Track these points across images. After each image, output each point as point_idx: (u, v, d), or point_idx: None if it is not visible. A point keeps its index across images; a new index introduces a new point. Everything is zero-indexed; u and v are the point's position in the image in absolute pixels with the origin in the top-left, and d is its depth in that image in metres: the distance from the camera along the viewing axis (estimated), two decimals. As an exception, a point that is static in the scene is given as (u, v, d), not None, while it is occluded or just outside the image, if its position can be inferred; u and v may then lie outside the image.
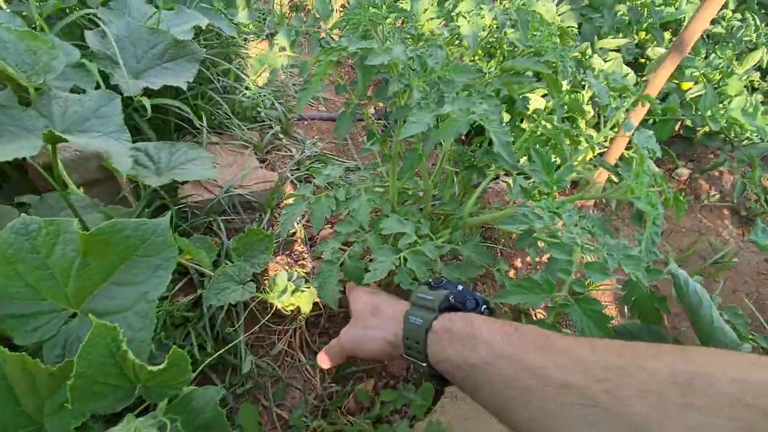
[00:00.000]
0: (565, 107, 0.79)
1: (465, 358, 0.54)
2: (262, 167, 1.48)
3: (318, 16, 0.82)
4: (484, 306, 0.66)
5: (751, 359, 0.42)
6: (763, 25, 2.12)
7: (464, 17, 0.75)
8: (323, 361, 0.75)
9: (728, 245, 1.74)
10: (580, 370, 0.46)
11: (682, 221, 1.87)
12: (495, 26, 0.77)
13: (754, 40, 1.80)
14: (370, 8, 0.76)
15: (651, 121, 1.59)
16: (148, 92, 1.17)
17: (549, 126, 0.77)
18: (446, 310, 0.63)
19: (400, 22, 0.91)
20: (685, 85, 1.78)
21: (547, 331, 0.53)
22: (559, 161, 0.82)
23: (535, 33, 0.85)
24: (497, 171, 0.86)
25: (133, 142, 1.28)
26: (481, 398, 0.54)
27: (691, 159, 2.03)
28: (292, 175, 1.48)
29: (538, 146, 0.83)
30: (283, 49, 0.74)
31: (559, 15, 1.83)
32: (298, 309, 1.03)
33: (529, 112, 0.98)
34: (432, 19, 0.77)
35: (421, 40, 0.78)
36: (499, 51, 0.77)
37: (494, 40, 0.80)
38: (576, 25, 1.82)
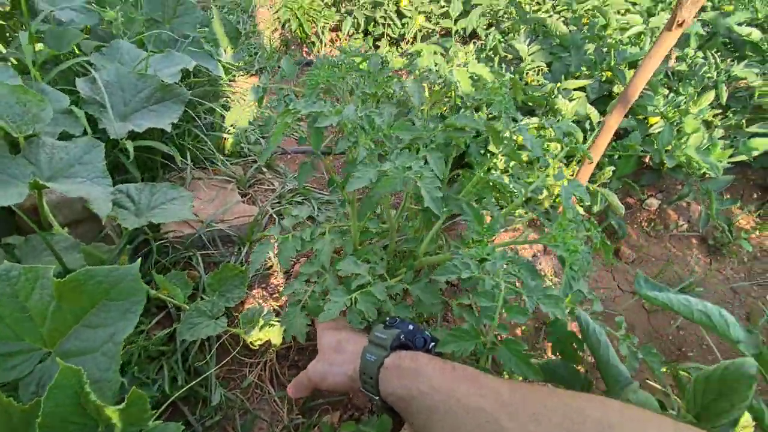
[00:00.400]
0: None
1: (408, 390, 0.63)
2: (243, 201, 1.55)
3: (285, 74, 0.90)
4: (432, 344, 0.73)
5: (670, 426, 0.48)
6: (728, 60, 2.23)
7: (415, 75, 0.83)
8: (292, 392, 0.81)
9: (694, 274, 1.81)
10: (494, 398, 0.54)
11: (652, 250, 1.94)
12: (440, 85, 0.85)
13: (714, 78, 1.90)
14: (329, 68, 0.84)
15: (617, 156, 1.67)
16: (133, 134, 1.24)
17: (485, 174, 0.85)
18: (398, 348, 0.71)
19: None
20: (652, 120, 1.87)
21: (478, 371, 0.61)
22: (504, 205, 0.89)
23: (481, 89, 0.93)
24: (449, 212, 0.93)
25: (120, 181, 1.36)
26: (418, 425, 0.61)
27: (660, 190, 2.11)
28: (272, 209, 1.55)
29: (486, 190, 0.90)
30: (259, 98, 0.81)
31: (530, 54, 1.93)
32: (269, 342, 1.08)
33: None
34: (388, 77, 0.85)
35: (376, 98, 0.86)
36: (445, 107, 0.84)
37: (443, 95, 0.88)
38: (545, 65, 1.92)
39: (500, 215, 0.74)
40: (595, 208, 1.69)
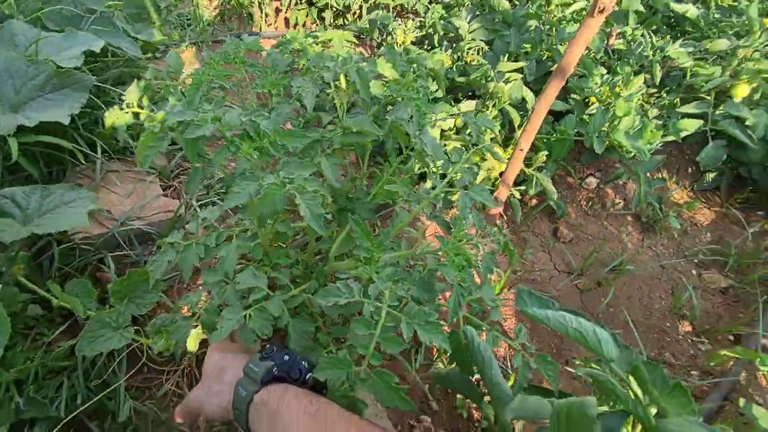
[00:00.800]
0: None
1: None
2: (166, 195, 1.46)
3: (171, 70, 0.81)
4: (309, 374, 0.69)
5: None
6: (668, 37, 2.25)
7: (309, 73, 0.77)
8: (179, 418, 0.77)
9: (626, 251, 1.87)
10: None
11: (589, 228, 1.99)
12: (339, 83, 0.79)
13: (650, 57, 1.91)
14: (218, 64, 0.77)
15: (553, 139, 1.67)
16: (24, 128, 1.13)
17: (393, 174, 0.81)
18: (271, 381, 0.67)
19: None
20: (593, 99, 1.87)
21: (338, 412, 0.60)
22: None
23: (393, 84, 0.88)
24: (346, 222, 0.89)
25: (18, 181, 1.24)
26: None
27: (599, 169, 2.15)
28: (198, 201, 1.47)
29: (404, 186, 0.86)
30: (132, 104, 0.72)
31: (470, 32, 1.88)
32: (185, 348, 1.03)
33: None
34: (280, 74, 0.78)
35: (278, 97, 0.80)
36: (339, 108, 0.79)
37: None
38: (485, 43, 1.87)
39: (390, 230, 0.71)
40: (531, 192, 1.70)
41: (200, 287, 1.01)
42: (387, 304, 0.60)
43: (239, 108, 0.70)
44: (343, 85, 0.84)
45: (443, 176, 0.78)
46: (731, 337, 1.59)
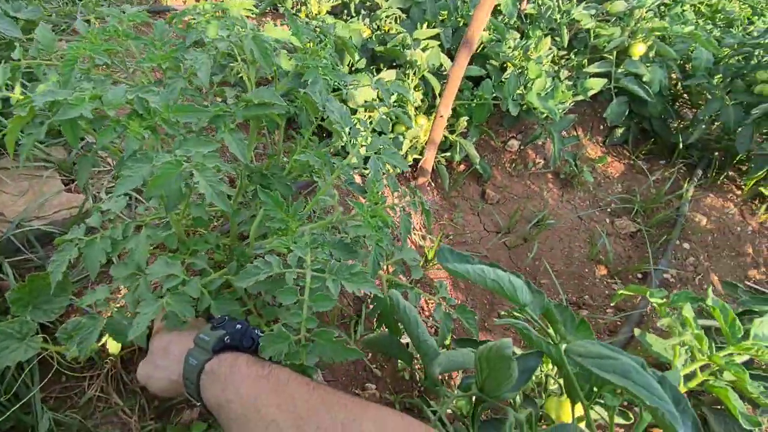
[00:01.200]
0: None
1: (217, 399, 0.61)
2: (69, 189, 1.33)
3: (41, 47, 0.72)
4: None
5: None
6: (574, 0, 2.35)
7: (203, 46, 0.72)
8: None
9: (547, 206, 2.00)
10: (289, 410, 0.54)
11: (514, 189, 2.10)
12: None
13: (558, 20, 2.00)
14: (97, 38, 0.70)
15: (473, 104, 1.72)
16: None
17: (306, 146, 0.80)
18: (223, 350, 0.67)
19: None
20: (510, 64, 1.94)
21: (289, 374, 0.60)
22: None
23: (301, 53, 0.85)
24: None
25: None
26: None
27: (520, 131, 2.25)
28: (108, 195, 1.36)
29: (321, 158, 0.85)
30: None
31: (387, 0, 1.85)
32: (106, 350, 0.97)
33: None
34: (171, 48, 0.72)
35: (165, 73, 0.74)
36: (248, 82, 0.75)
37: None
38: (402, 11, 1.86)
39: (302, 202, 0.70)
40: (457, 157, 1.75)
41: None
42: (310, 267, 0.60)
43: (125, 85, 0.65)
44: (249, 56, 0.80)
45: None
46: (639, 275, 1.77)
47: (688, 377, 0.84)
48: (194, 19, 0.79)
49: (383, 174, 0.74)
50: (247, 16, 0.95)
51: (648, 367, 0.53)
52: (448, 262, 0.63)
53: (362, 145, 0.74)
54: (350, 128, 0.76)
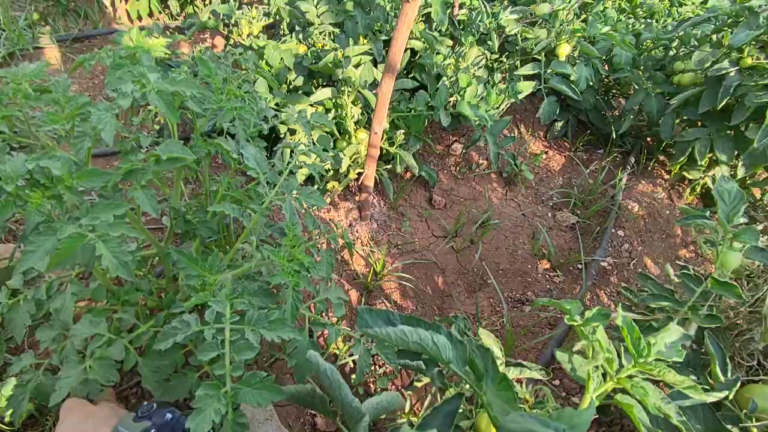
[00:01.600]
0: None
1: None
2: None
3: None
4: None
5: None
6: (505, 2, 2.43)
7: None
8: None
9: (492, 206, 2.08)
10: None
11: (460, 191, 2.16)
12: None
13: (488, 26, 2.07)
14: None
15: (410, 116, 1.76)
16: None
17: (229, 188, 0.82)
18: None
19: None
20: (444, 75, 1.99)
21: None
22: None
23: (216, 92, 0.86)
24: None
25: None
26: None
27: (463, 135, 2.32)
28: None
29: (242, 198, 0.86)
30: None
31: (319, 16, 1.86)
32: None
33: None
34: (78, 105, 0.71)
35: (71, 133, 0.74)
36: (172, 129, 0.76)
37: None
38: (335, 26, 1.88)
39: (216, 254, 0.72)
40: (398, 169, 1.79)
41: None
42: (229, 321, 0.62)
43: (23, 154, 0.65)
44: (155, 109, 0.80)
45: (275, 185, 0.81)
46: (579, 266, 1.87)
47: (601, 397, 0.86)
48: (109, 57, 0.78)
49: (303, 210, 0.77)
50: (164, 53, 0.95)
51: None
52: (369, 327, 0.64)
53: (280, 192, 0.77)
54: (265, 173, 0.78)
